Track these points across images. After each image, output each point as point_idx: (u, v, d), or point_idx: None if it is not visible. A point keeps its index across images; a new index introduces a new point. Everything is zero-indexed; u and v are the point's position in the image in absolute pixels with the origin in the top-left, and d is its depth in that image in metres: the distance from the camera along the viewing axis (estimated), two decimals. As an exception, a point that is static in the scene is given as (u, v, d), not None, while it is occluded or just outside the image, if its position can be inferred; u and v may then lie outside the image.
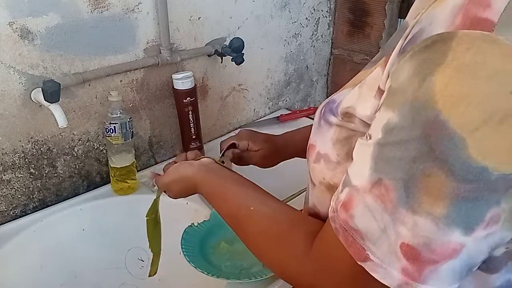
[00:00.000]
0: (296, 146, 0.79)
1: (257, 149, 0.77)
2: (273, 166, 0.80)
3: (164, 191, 0.70)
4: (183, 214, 0.88)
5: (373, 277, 0.36)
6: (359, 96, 0.44)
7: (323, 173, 0.49)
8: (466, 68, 0.30)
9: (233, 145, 0.78)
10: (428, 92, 0.31)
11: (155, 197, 0.74)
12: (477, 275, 0.40)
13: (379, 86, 0.40)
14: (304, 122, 1.25)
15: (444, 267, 0.34)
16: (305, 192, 0.97)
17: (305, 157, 0.79)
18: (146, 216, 0.74)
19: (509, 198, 0.31)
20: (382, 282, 0.36)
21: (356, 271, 0.38)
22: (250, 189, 0.58)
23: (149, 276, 0.77)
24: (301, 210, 0.79)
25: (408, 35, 0.37)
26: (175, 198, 0.68)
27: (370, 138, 0.37)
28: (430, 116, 0.31)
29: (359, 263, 0.37)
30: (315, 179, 0.52)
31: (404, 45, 0.36)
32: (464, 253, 0.33)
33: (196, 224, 0.79)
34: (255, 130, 0.82)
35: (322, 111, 0.50)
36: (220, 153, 0.78)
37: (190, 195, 0.67)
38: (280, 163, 0.82)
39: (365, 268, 0.37)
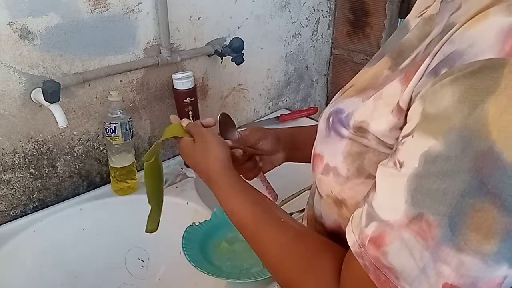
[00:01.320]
0: (294, 152, 0.74)
1: (260, 151, 0.70)
2: (268, 171, 0.74)
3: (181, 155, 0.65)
4: (183, 214, 0.88)
5: None
6: (374, 110, 0.42)
7: (331, 186, 0.48)
8: None
9: (232, 123, 0.70)
10: (480, 121, 0.29)
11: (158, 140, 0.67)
12: None
13: (398, 102, 0.38)
14: (304, 122, 1.25)
15: None
16: (305, 192, 0.98)
17: (303, 162, 0.78)
18: (143, 160, 0.65)
19: None
20: None
21: None
22: (270, 202, 0.55)
23: (146, 231, 0.69)
24: (303, 210, 0.79)
25: (436, 53, 0.35)
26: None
27: (401, 167, 0.35)
28: (483, 147, 0.29)
29: None
30: (322, 191, 0.50)
31: (436, 65, 0.34)
32: (505, 283, 0.32)
33: (197, 224, 0.79)
34: (266, 128, 0.74)
35: (331, 120, 0.48)
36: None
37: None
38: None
39: None
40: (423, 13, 0.47)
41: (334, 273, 0.43)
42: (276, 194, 0.76)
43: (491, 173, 0.29)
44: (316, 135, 0.73)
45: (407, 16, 0.52)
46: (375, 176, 0.39)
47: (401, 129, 0.39)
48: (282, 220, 0.51)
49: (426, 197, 0.32)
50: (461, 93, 0.31)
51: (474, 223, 0.30)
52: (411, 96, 0.37)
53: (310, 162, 0.66)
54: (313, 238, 0.50)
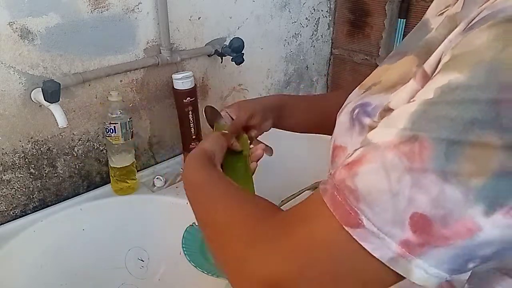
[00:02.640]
0: (288, 120, 0.74)
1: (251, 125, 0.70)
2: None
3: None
4: (183, 214, 0.88)
5: (359, 246, 0.31)
6: (398, 92, 0.40)
7: None
8: None
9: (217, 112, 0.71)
10: (511, 57, 0.28)
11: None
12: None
13: (423, 69, 0.36)
14: (304, 122, 1.25)
15: (447, 247, 0.30)
16: (305, 192, 0.98)
17: (301, 132, 0.77)
18: (242, 151, 0.65)
19: None
20: (372, 253, 0.31)
21: (334, 239, 0.32)
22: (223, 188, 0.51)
23: None
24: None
25: (471, 19, 0.34)
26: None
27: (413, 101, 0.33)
28: (510, 78, 0.28)
29: (346, 228, 0.31)
30: None
31: (471, 24, 0.33)
32: (476, 237, 0.30)
33: (197, 224, 0.79)
34: (251, 101, 0.73)
35: (356, 112, 0.46)
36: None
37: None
38: (280, 164, 0.81)
39: (353, 236, 0.31)
40: (445, 11, 0.46)
41: (270, 206, 0.41)
42: (271, 148, 0.76)
43: (509, 107, 0.28)
44: (304, 104, 0.73)
45: (426, 15, 0.51)
46: None
47: None
48: (230, 187, 0.48)
49: (428, 122, 0.30)
50: (497, 34, 0.29)
51: (473, 154, 0.29)
52: (440, 57, 0.35)
53: (295, 131, 0.66)
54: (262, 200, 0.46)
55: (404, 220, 0.30)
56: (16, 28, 0.74)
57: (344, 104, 0.53)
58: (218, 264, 0.44)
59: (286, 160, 0.91)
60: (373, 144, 0.33)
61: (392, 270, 0.31)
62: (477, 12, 0.34)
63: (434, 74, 0.33)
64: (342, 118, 0.50)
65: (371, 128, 0.41)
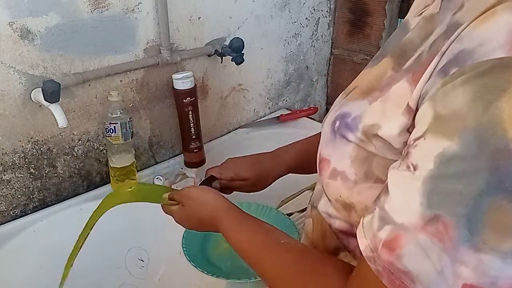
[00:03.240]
0: (289, 163, 0.77)
1: (243, 179, 0.75)
2: (264, 189, 0.78)
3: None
4: (183, 214, 0.88)
5: None
6: (384, 113, 0.42)
7: (339, 190, 0.47)
8: None
9: (213, 177, 0.76)
10: (495, 119, 0.29)
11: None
12: None
13: (408, 103, 0.38)
14: (304, 122, 1.25)
15: None
16: (305, 192, 0.98)
17: (298, 173, 0.80)
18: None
19: None
20: None
21: None
22: (272, 227, 0.57)
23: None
24: (303, 210, 0.79)
25: (444, 52, 0.35)
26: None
27: (415, 169, 0.34)
28: (500, 145, 0.29)
29: None
30: (330, 195, 0.50)
31: (445, 64, 0.34)
32: None
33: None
34: (241, 157, 0.79)
35: (336, 125, 0.48)
36: (201, 180, 0.78)
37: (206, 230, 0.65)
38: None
39: None
40: (423, 12, 0.46)
41: (340, 276, 0.43)
42: None
43: (509, 171, 0.29)
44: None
45: (406, 16, 0.51)
46: (384, 180, 0.39)
47: (409, 131, 0.39)
48: (282, 241, 0.52)
49: (442, 199, 0.32)
50: (474, 92, 0.31)
51: (492, 221, 0.30)
52: (420, 95, 0.36)
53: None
54: (313, 255, 0.50)
55: None
56: (16, 28, 0.74)
57: (329, 111, 0.54)
58: None
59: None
60: (400, 224, 0.35)
61: None
62: (448, 43, 0.35)
63: (421, 131, 0.34)
64: (325, 128, 0.51)
65: (357, 145, 0.44)
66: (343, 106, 0.49)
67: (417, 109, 0.37)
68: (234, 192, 0.78)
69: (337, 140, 0.47)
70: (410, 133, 0.39)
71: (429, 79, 0.36)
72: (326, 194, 0.52)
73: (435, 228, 0.32)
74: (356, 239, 0.40)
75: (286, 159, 0.78)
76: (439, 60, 0.35)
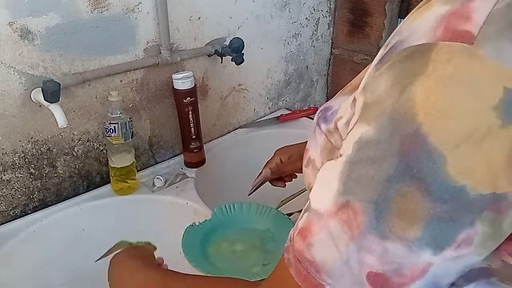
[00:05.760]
0: None
1: (292, 172, 0.81)
2: None
3: None
4: (183, 214, 0.88)
5: None
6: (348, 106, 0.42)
7: (310, 178, 0.49)
8: (447, 79, 0.28)
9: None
10: (408, 103, 0.29)
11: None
12: None
13: (354, 96, 0.38)
14: (304, 122, 1.25)
15: None
16: (305, 192, 0.98)
17: None
18: None
19: (483, 221, 0.29)
20: None
21: None
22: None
23: None
24: (301, 211, 0.79)
25: (387, 45, 0.35)
26: None
27: (339, 157, 0.34)
28: (410, 129, 0.29)
29: None
30: (306, 184, 0.51)
31: (383, 55, 0.34)
32: (431, 272, 0.31)
33: (197, 224, 0.79)
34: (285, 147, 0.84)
35: (318, 116, 0.49)
36: (251, 189, 0.85)
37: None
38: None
39: None
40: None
41: (250, 284, 0.44)
42: None
43: (416, 156, 0.29)
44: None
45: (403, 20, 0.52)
46: None
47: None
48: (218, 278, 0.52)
49: (355, 184, 0.32)
50: (394, 77, 0.31)
51: (399, 209, 0.30)
52: (363, 86, 0.36)
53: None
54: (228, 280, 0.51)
55: (362, 282, 0.32)
56: (16, 28, 0.74)
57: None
58: None
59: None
60: (315, 211, 0.35)
61: None
62: (393, 35, 0.35)
63: (353, 122, 0.34)
64: (313, 121, 0.52)
65: (327, 136, 0.44)
66: (329, 102, 0.50)
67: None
68: (234, 191, 0.79)
69: (316, 130, 0.48)
70: None
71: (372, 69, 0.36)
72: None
73: (346, 215, 0.32)
74: None
75: None
76: (383, 53, 0.35)
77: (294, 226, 0.37)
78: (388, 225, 0.30)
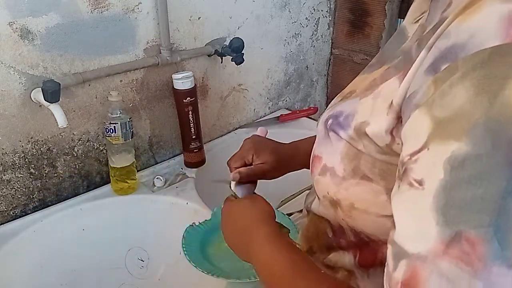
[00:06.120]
0: (304, 158, 0.71)
1: (261, 163, 0.68)
2: (279, 177, 0.73)
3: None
4: (183, 214, 0.88)
5: None
6: (373, 110, 0.40)
7: (327, 187, 0.47)
8: None
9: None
10: (505, 109, 0.26)
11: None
12: None
13: (392, 101, 0.36)
14: (304, 122, 1.25)
15: None
16: (305, 192, 0.98)
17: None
18: None
19: None
20: None
21: None
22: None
23: None
24: (301, 211, 0.79)
25: (430, 47, 0.33)
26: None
27: (421, 185, 0.30)
28: None
29: None
30: (319, 192, 0.50)
31: (433, 61, 0.32)
32: None
33: (197, 224, 0.79)
34: (262, 137, 0.75)
35: (329, 124, 0.47)
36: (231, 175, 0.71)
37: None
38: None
39: None
40: (419, 19, 0.46)
41: None
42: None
43: None
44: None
45: (403, 22, 0.51)
46: (370, 178, 0.38)
47: (392, 133, 0.37)
48: (322, 271, 0.45)
49: (461, 210, 0.27)
50: (475, 86, 0.28)
51: None
52: (406, 93, 0.35)
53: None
54: None
55: None
56: (16, 28, 0.74)
57: (324, 111, 0.54)
58: None
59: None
60: (415, 255, 0.30)
61: None
62: (433, 39, 0.33)
63: (420, 143, 0.31)
64: (319, 127, 0.51)
65: (349, 143, 0.42)
66: (336, 107, 0.49)
67: (400, 108, 0.35)
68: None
69: (330, 137, 0.47)
70: (393, 135, 0.37)
71: (415, 75, 0.34)
72: (316, 192, 0.52)
73: (459, 249, 0.27)
74: (345, 236, 0.39)
75: (302, 155, 0.73)
76: (426, 56, 0.33)
77: (387, 281, 0.32)
78: None
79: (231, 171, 0.67)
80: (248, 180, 0.67)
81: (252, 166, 0.68)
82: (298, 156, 0.74)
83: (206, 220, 0.80)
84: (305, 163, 0.73)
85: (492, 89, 0.27)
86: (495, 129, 0.27)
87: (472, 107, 0.28)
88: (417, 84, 0.33)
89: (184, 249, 0.73)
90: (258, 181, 0.71)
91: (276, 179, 0.79)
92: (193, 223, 0.79)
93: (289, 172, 0.74)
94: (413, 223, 0.30)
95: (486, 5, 0.30)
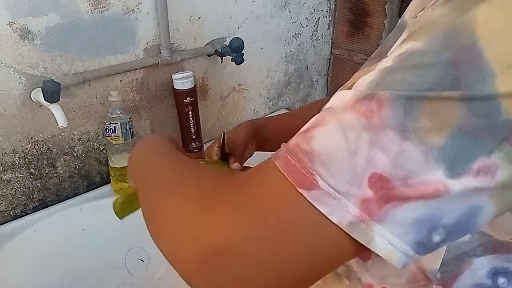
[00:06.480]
0: (272, 135, 0.73)
1: (233, 136, 0.69)
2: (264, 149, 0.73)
3: None
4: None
5: (315, 210, 0.28)
6: None
7: None
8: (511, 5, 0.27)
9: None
10: (468, 21, 0.28)
11: None
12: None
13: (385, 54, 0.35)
14: (304, 122, 1.25)
15: (409, 207, 0.28)
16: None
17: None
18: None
19: (501, 153, 0.27)
20: (329, 217, 0.28)
21: (288, 200, 0.29)
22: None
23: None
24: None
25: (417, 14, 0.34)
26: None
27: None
28: (467, 42, 0.27)
29: (300, 190, 0.29)
30: None
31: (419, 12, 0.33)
32: (442, 200, 0.28)
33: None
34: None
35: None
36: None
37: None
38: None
39: (307, 198, 0.28)
40: (420, 14, 0.46)
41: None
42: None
43: (468, 69, 0.27)
44: (277, 125, 0.74)
45: (404, 16, 0.51)
46: None
47: None
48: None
49: (385, 82, 0.29)
50: (454, 4, 0.29)
51: (432, 109, 0.27)
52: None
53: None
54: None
55: (362, 180, 0.28)
56: (16, 28, 0.74)
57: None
58: (154, 231, 0.41)
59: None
60: (328, 108, 0.31)
61: (353, 239, 0.29)
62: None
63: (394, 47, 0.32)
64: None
65: None
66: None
67: None
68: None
69: None
70: None
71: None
72: None
73: (367, 107, 0.29)
74: None
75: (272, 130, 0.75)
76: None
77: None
78: (414, 124, 0.27)
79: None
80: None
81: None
82: (281, 120, 0.75)
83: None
84: (272, 141, 0.72)
85: (466, 6, 0.28)
86: (452, 33, 0.28)
87: (442, 17, 0.29)
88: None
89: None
90: None
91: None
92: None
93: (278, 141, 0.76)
94: (347, 89, 0.32)
95: None
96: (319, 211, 0.28)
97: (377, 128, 0.28)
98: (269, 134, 0.74)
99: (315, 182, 0.28)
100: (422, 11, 0.40)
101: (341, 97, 0.31)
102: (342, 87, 0.54)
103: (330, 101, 0.32)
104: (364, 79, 0.31)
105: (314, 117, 0.32)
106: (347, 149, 0.28)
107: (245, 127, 0.72)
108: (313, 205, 0.28)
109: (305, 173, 0.29)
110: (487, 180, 0.28)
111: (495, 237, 0.34)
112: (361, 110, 0.29)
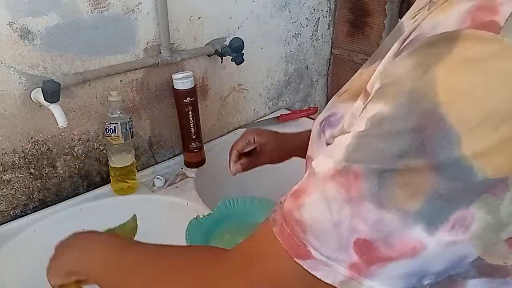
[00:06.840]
0: (301, 144, 0.79)
1: (263, 142, 0.79)
2: (280, 162, 0.82)
3: None
4: (183, 214, 0.88)
5: (312, 276, 0.33)
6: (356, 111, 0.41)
7: None
8: (471, 62, 0.28)
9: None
10: (429, 83, 0.29)
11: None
12: None
13: (365, 87, 0.37)
14: (304, 122, 1.25)
15: (396, 264, 0.31)
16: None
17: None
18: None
19: (481, 203, 0.29)
20: (324, 280, 0.32)
21: (289, 275, 0.34)
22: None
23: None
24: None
25: (405, 39, 0.35)
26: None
27: (348, 133, 0.34)
28: (429, 107, 0.29)
29: (296, 260, 0.33)
30: None
31: (401, 48, 0.34)
32: (423, 255, 0.31)
33: (201, 217, 0.79)
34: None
35: (323, 124, 0.48)
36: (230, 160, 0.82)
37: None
38: (279, 164, 0.83)
39: (304, 267, 0.33)
40: (417, 15, 0.46)
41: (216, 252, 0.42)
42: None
43: (433, 134, 0.29)
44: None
45: (402, 18, 0.51)
46: None
47: None
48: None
49: (361, 154, 0.32)
50: (417, 61, 0.31)
51: (404, 180, 0.30)
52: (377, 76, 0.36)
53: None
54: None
55: (348, 247, 0.31)
56: (16, 28, 0.74)
57: (321, 113, 0.54)
58: None
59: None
60: (313, 172, 0.34)
61: None
62: (410, 31, 0.35)
63: (368, 100, 0.34)
64: (314, 129, 0.51)
65: (327, 143, 0.44)
66: (332, 108, 0.49)
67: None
68: (234, 191, 0.79)
69: (321, 139, 0.47)
70: None
71: (387, 60, 0.36)
72: None
73: (345, 179, 0.32)
74: None
75: (299, 140, 0.80)
76: (400, 46, 0.35)
77: (290, 190, 0.37)
78: (389, 195, 0.30)
79: (231, 159, 0.80)
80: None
81: (251, 158, 0.79)
82: (297, 138, 0.81)
83: (210, 213, 0.81)
84: (302, 151, 0.78)
85: (427, 63, 0.30)
86: (415, 98, 0.30)
87: (405, 77, 0.31)
88: (382, 65, 0.35)
89: (188, 242, 0.73)
90: (258, 179, 0.77)
91: (275, 177, 0.81)
92: (197, 216, 0.79)
93: (289, 157, 0.82)
94: (329, 153, 0.35)
95: (455, 3, 0.32)
96: (315, 276, 0.33)
97: (356, 201, 0.31)
98: (289, 148, 0.82)
99: (309, 252, 0.32)
100: (420, 12, 0.40)
101: (324, 163, 0.34)
102: (340, 89, 0.54)
103: (314, 161, 0.36)
104: (342, 141, 0.34)
105: (301, 179, 0.36)
106: (332, 221, 0.32)
107: (273, 139, 0.82)
108: (308, 271, 0.33)
109: (299, 243, 0.33)
110: (461, 233, 0.30)
111: (487, 261, 0.35)
112: (341, 182, 0.32)
